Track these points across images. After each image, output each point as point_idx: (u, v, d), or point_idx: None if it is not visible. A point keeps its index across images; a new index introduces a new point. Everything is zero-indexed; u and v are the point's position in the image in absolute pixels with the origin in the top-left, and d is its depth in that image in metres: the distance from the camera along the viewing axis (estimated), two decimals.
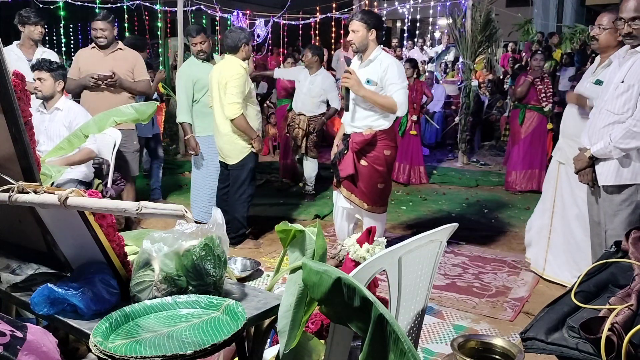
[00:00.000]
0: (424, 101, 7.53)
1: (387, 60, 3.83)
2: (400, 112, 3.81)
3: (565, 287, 3.75)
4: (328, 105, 6.05)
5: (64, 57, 12.38)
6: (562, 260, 3.86)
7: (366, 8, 11.12)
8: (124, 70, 4.66)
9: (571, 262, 3.81)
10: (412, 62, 7.27)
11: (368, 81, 3.79)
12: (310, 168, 6.17)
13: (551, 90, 6.27)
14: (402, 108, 3.78)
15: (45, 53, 5.05)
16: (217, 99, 4.37)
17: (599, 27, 3.39)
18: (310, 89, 5.97)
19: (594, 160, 3.10)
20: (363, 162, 3.89)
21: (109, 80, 4.55)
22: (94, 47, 4.69)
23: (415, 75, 7.09)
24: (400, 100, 3.75)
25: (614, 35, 3.30)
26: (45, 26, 5.03)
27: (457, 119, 8.25)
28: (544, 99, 6.24)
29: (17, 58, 4.77)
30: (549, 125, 6.33)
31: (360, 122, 3.86)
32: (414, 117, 7.00)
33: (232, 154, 4.43)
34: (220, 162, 4.60)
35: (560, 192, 3.85)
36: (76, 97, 5.27)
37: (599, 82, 3.49)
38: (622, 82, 2.96)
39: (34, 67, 4.05)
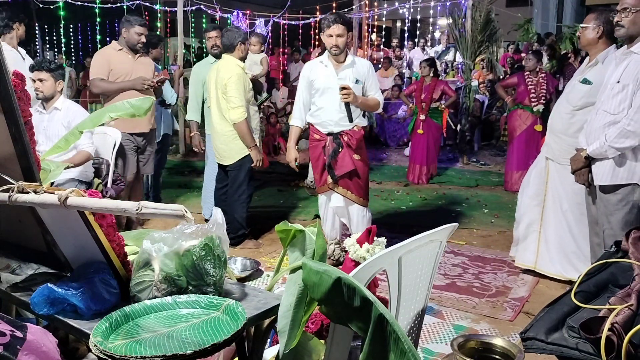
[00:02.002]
0: (447, 100, 7.20)
1: (366, 62, 4.23)
2: (380, 110, 4.23)
3: (558, 280, 3.87)
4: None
5: (64, 57, 12.39)
6: (554, 253, 3.88)
7: (367, 8, 11.14)
8: (150, 73, 4.70)
9: (563, 256, 3.86)
10: (429, 61, 7.17)
11: (357, 81, 3.98)
12: None
13: (544, 90, 6.27)
14: (381, 106, 4.29)
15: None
16: (215, 99, 4.37)
17: (582, 27, 3.56)
18: None
19: (590, 161, 3.12)
20: (356, 157, 4.01)
21: (162, 84, 4.70)
22: (121, 50, 4.60)
23: (432, 74, 7.00)
24: (382, 99, 4.20)
25: (592, 33, 3.45)
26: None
27: (458, 127, 8.19)
28: (534, 99, 6.28)
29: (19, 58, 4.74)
30: (538, 127, 6.32)
31: (352, 120, 4.01)
32: (422, 117, 6.97)
33: (229, 155, 4.42)
34: (217, 162, 4.60)
35: (552, 186, 3.87)
36: (75, 96, 5.26)
37: (585, 81, 3.57)
38: (618, 82, 2.99)
39: (33, 68, 4.03)
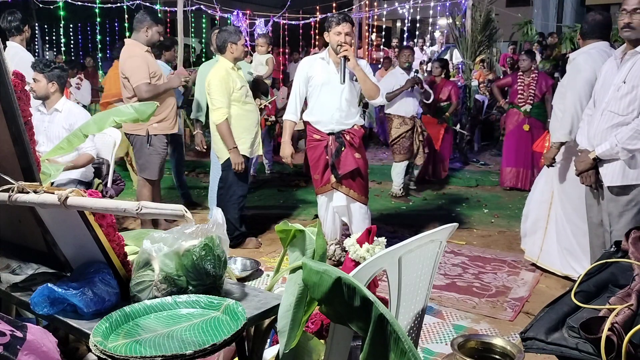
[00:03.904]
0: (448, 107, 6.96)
1: (362, 60, 4.20)
2: (380, 101, 4.13)
3: (557, 275, 3.97)
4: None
5: (64, 57, 12.38)
6: (555, 250, 3.98)
7: (366, 8, 11.14)
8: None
9: (562, 253, 3.94)
10: (442, 62, 7.23)
11: (356, 79, 3.97)
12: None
13: (532, 91, 6.38)
14: (383, 98, 4.16)
15: None
16: (208, 99, 4.38)
17: None
18: (416, 88, 6.00)
19: (597, 162, 3.09)
20: (357, 155, 4.03)
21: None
22: (147, 50, 4.46)
23: (443, 75, 7.03)
24: (382, 89, 4.10)
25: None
26: None
27: (459, 129, 8.14)
28: (521, 99, 6.42)
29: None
30: (525, 127, 6.42)
31: (351, 119, 4.04)
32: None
33: (219, 154, 4.42)
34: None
35: (556, 185, 3.97)
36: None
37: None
38: (624, 82, 2.95)
39: (31, 67, 4.04)
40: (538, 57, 9.66)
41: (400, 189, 6.24)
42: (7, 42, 4.65)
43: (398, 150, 6.14)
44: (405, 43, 12.61)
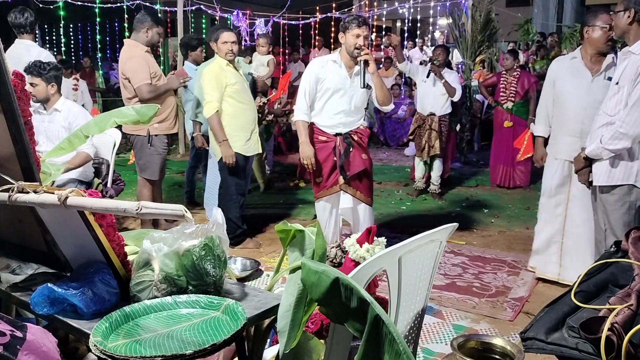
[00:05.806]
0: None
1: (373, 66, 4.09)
2: (391, 107, 4.12)
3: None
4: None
5: (64, 57, 12.38)
6: (578, 263, 3.64)
7: (366, 8, 11.13)
8: None
9: (588, 264, 3.71)
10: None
11: (368, 86, 3.91)
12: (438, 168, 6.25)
13: (513, 89, 6.50)
14: (392, 100, 4.12)
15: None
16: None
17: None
18: (439, 87, 5.94)
19: (590, 161, 3.13)
20: (364, 156, 4.02)
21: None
22: (147, 51, 4.44)
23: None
24: (391, 97, 4.12)
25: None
26: None
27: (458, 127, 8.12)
28: (503, 97, 6.57)
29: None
30: (506, 124, 6.56)
31: (357, 122, 4.04)
32: None
33: (216, 153, 4.42)
34: None
35: (574, 194, 3.69)
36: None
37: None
38: (617, 83, 2.99)
39: (26, 72, 3.98)
40: (522, 57, 9.73)
41: (419, 184, 6.39)
42: (17, 40, 4.64)
43: (415, 146, 6.32)
44: (405, 43, 12.64)
